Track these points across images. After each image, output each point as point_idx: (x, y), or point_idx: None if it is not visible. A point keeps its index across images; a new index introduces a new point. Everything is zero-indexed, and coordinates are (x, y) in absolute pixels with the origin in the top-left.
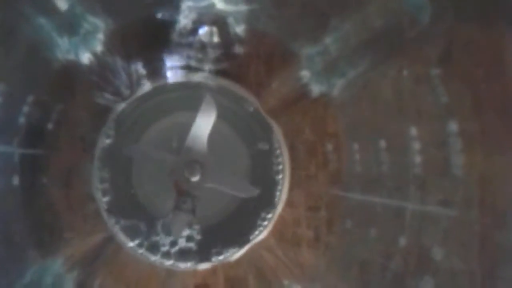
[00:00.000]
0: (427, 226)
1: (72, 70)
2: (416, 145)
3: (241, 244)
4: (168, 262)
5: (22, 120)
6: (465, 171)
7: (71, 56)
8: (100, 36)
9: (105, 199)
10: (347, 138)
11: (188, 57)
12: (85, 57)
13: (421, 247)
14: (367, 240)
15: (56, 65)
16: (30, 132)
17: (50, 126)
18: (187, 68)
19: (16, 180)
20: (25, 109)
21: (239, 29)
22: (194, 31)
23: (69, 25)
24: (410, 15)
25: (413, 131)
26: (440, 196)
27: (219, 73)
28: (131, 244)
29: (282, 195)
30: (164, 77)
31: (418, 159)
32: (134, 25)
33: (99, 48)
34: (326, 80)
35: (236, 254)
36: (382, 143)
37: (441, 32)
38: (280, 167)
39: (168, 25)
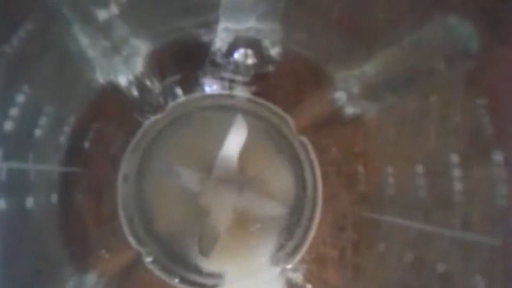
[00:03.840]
0: (468, 254)
1: (111, 90)
2: (457, 172)
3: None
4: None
5: (62, 139)
6: (509, 201)
7: (111, 77)
8: (140, 57)
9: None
10: (380, 161)
11: (223, 78)
12: (125, 79)
13: (462, 275)
14: (402, 265)
15: (96, 85)
16: (69, 151)
17: (86, 144)
18: (221, 88)
19: (54, 198)
20: (66, 129)
21: (274, 51)
22: (229, 53)
23: (114, 47)
24: (457, 45)
25: (454, 158)
26: (482, 224)
27: (253, 93)
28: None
29: (310, 213)
30: (199, 97)
31: (458, 186)
32: (172, 47)
33: (138, 69)
34: (361, 104)
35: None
36: (419, 168)
37: (488, 61)
38: (310, 185)
39: (204, 47)
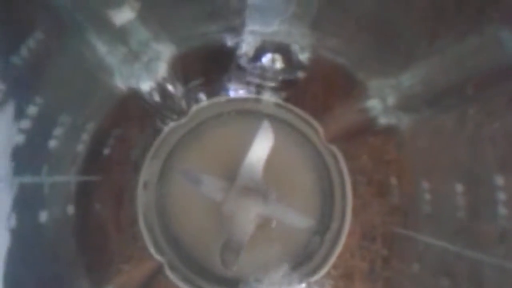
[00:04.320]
0: (509, 285)
1: (132, 96)
2: (502, 196)
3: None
4: None
5: (80, 148)
6: None
7: (132, 83)
8: (163, 62)
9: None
10: (414, 174)
11: (249, 83)
12: (146, 84)
13: None
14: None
15: (117, 92)
16: (88, 159)
17: (106, 151)
18: (248, 93)
19: (71, 210)
20: (85, 137)
21: (303, 56)
22: (256, 57)
23: (132, 52)
24: (507, 59)
25: (499, 180)
26: None
27: (279, 99)
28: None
29: (338, 225)
30: (223, 101)
31: (503, 210)
32: (197, 51)
33: (160, 74)
34: (396, 114)
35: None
36: (459, 187)
37: None
38: (338, 196)
39: (230, 51)
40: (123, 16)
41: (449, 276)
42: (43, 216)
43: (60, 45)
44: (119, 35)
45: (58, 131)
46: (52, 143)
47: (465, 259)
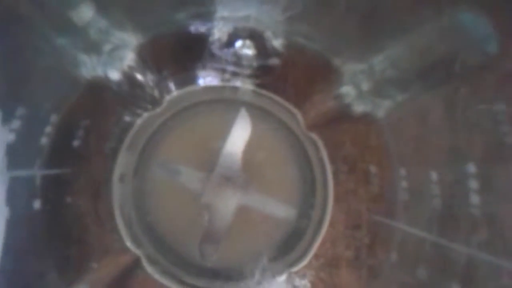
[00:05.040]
0: (483, 275)
1: (99, 86)
2: (474, 184)
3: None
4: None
5: (44, 140)
6: None
7: (99, 73)
8: (129, 51)
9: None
10: (393, 162)
11: (224, 70)
12: (114, 74)
13: None
14: (414, 279)
15: (83, 82)
16: (54, 152)
17: (76, 143)
18: (222, 81)
19: (37, 204)
20: (48, 129)
21: (277, 42)
22: (229, 44)
23: (93, 42)
24: (475, 45)
25: (471, 168)
26: (498, 244)
27: (256, 86)
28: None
29: (320, 213)
30: (198, 90)
31: (475, 199)
32: (166, 38)
33: (128, 63)
34: (371, 101)
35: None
36: (434, 175)
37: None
38: (320, 184)
39: (202, 38)
40: (83, 15)
41: (426, 265)
42: (7, 212)
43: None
44: (77, 28)
45: (15, 124)
46: (10, 137)
47: (441, 248)
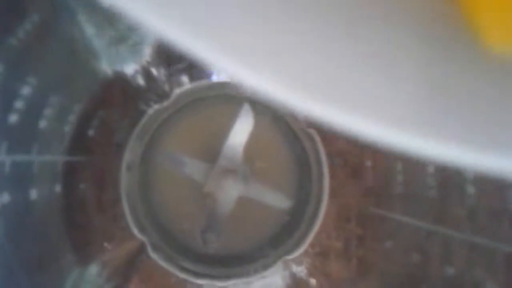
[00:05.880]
0: (479, 259)
1: (116, 79)
2: (469, 175)
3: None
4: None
5: (67, 128)
6: None
7: (117, 67)
8: (147, 46)
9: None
10: (388, 156)
11: None
12: (131, 67)
13: (473, 281)
14: (408, 264)
15: (102, 74)
16: (74, 140)
17: (91, 132)
18: (229, 78)
19: (58, 188)
20: (71, 118)
21: None
22: None
23: (120, 36)
24: None
25: None
26: (493, 229)
27: None
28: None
29: (315, 205)
30: (205, 85)
31: (471, 189)
32: None
33: (145, 57)
34: None
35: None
36: (430, 168)
37: None
38: (315, 177)
39: None
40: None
41: (420, 252)
42: (33, 194)
43: (53, 27)
44: (107, 19)
45: (48, 112)
46: (43, 123)
47: (436, 236)
